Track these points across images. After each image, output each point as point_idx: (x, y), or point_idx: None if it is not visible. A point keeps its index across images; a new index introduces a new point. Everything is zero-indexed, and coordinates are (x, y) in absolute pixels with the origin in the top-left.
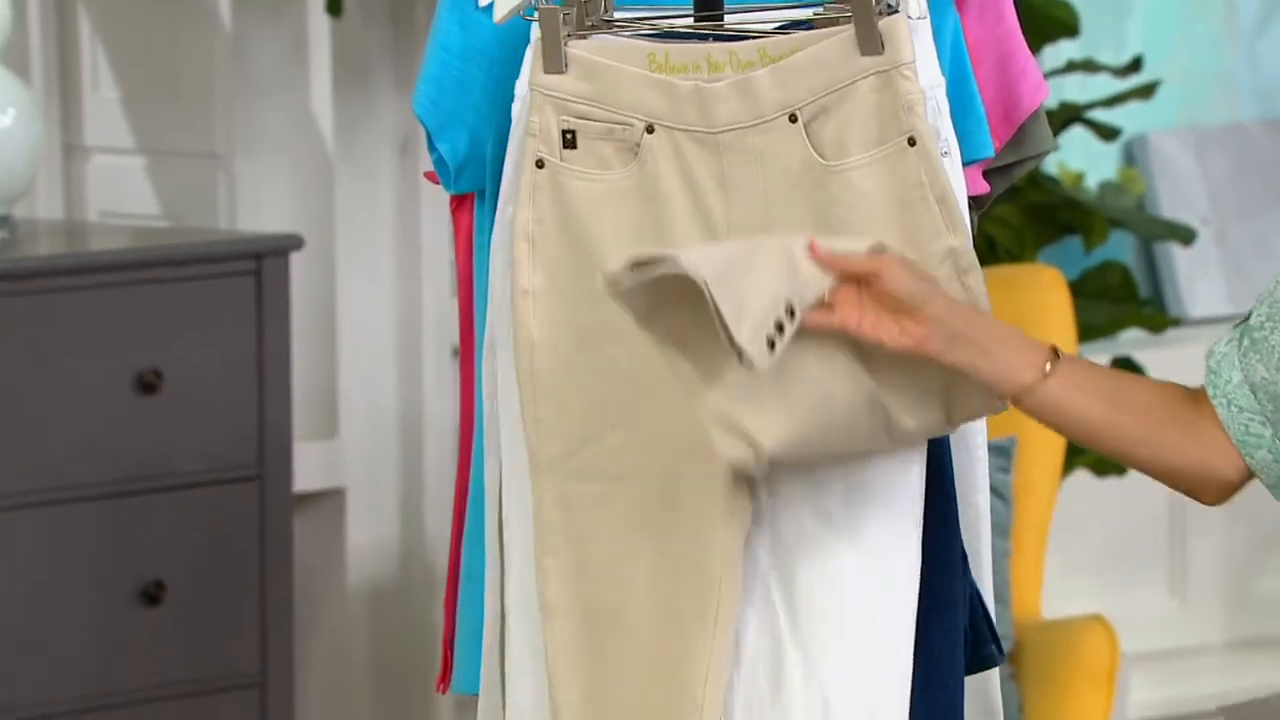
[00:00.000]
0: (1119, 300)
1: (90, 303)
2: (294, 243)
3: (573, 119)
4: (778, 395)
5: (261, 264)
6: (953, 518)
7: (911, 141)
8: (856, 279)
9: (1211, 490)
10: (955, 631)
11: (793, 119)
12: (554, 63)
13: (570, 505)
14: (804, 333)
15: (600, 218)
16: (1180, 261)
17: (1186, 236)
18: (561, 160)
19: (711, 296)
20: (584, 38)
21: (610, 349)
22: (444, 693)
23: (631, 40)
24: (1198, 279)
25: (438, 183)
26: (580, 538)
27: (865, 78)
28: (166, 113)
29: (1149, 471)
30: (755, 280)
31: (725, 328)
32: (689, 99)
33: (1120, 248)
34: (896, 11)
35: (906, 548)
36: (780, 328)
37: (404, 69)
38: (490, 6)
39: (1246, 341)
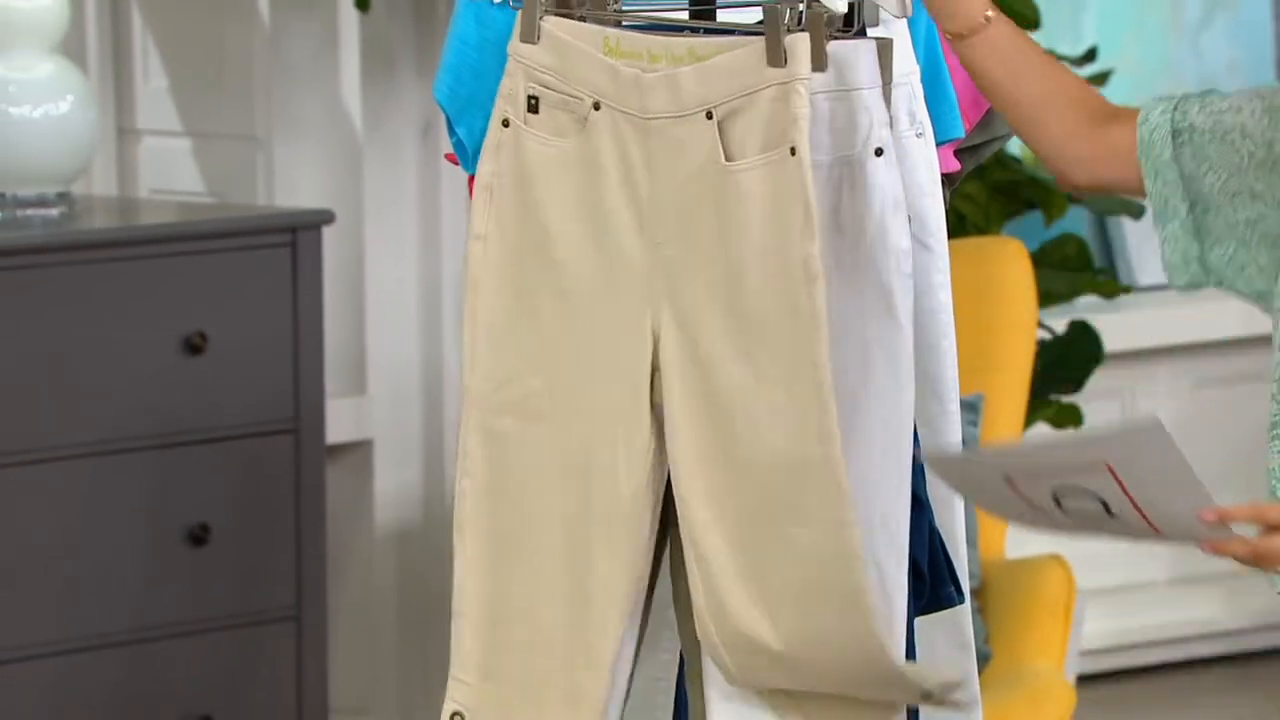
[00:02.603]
0: (1076, 269)
1: (141, 271)
2: (326, 217)
3: (537, 86)
4: None
5: (296, 237)
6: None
7: (793, 151)
8: None
9: (1081, 179)
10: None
11: (709, 116)
12: (529, 33)
13: (491, 436)
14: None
15: (547, 180)
16: (1131, 234)
17: (1137, 211)
18: (525, 124)
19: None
20: (561, 16)
21: (540, 300)
22: None
23: (596, 25)
24: (1146, 250)
25: (457, 163)
26: (496, 466)
27: (768, 88)
28: (210, 99)
29: (1036, 139)
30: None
31: None
32: (629, 85)
33: (1077, 221)
34: (805, 30)
35: (899, 487)
36: None
37: (426, 59)
38: (504, 3)
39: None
